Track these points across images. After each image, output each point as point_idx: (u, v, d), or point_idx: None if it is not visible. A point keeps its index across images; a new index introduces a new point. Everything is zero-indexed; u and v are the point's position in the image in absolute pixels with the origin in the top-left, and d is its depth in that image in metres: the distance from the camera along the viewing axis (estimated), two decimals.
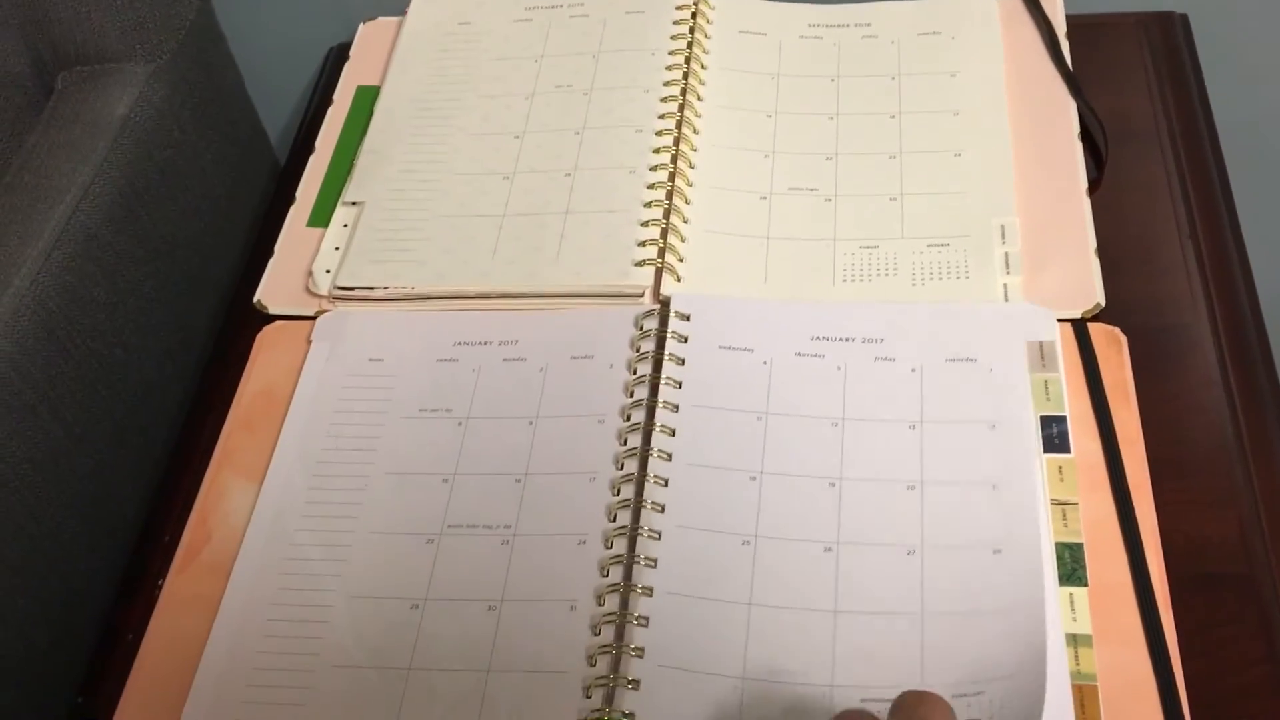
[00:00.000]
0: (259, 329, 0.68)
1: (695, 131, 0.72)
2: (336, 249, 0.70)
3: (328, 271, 0.69)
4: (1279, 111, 0.87)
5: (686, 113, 0.72)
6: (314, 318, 0.67)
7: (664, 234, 0.67)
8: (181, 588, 0.59)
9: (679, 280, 0.65)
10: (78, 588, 0.61)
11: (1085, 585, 0.53)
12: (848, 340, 0.61)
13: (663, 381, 0.60)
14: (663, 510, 0.56)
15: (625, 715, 0.50)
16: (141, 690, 0.56)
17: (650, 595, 0.53)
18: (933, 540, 0.54)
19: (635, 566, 0.54)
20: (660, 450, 0.58)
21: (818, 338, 0.62)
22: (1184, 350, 0.62)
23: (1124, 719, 0.49)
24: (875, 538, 0.54)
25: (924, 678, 0.50)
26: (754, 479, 0.57)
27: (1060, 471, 0.56)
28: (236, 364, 0.67)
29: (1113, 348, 0.60)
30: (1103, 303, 0.62)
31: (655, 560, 0.54)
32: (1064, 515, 0.55)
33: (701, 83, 0.75)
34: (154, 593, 0.59)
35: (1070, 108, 0.71)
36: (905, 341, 0.61)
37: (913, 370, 0.60)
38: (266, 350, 0.67)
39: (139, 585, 0.61)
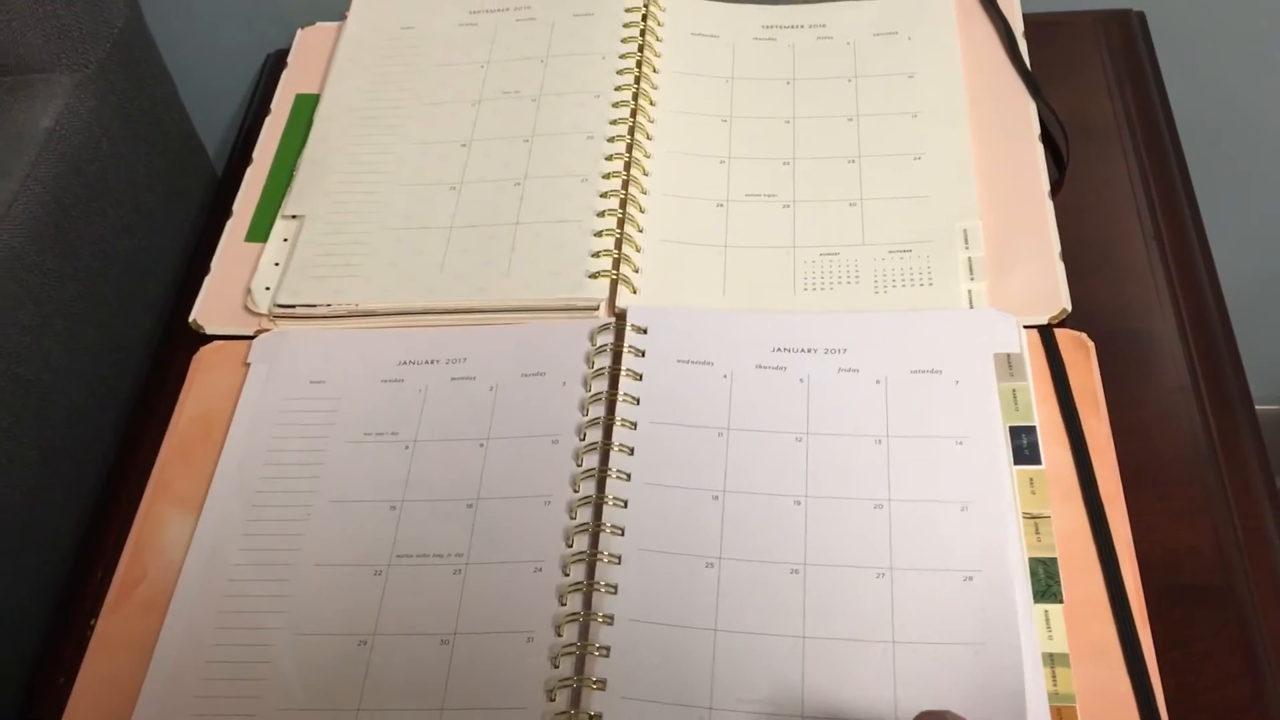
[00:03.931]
0: (195, 350, 0.65)
1: (649, 138, 0.70)
2: (276, 265, 0.67)
3: (267, 289, 0.66)
4: (1236, 109, 0.87)
5: (639, 118, 0.70)
6: (253, 337, 0.64)
7: (619, 244, 0.64)
8: (115, 628, 0.55)
9: (635, 292, 0.63)
10: (5, 627, 0.58)
11: (1060, 602, 0.51)
12: (810, 351, 0.59)
13: (619, 398, 0.58)
14: (622, 533, 0.54)
15: None
16: None
17: (611, 624, 0.51)
18: (902, 563, 0.52)
19: (595, 593, 0.52)
20: (618, 470, 0.55)
21: (779, 349, 0.59)
22: (1152, 355, 0.60)
23: None
24: (844, 559, 0.52)
25: (898, 709, 0.48)
26: (716, 498, 0.54)
27: (1031, 484, 0.54)
28: (172, 387, 0.64)
29: (1080, 354, 0.59)
30: (1069, 308, 0.60)
31: (615, 586, 0.52)
32: (1036, 529, 0.53)
33: (654, 87, 0.72)
34: (86, 633, 0.56)
35: (1030, 108, 0.70)
36: (869, 352, 0.59)
37: (877, 382, 0.58)
38: (203, 372, 0.64)
39: (71, 625, 0.57)
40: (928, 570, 0.51)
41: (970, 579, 0.51)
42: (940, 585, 0.51)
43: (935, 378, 0.57)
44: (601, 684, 0.50)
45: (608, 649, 0.50)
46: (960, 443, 0.55)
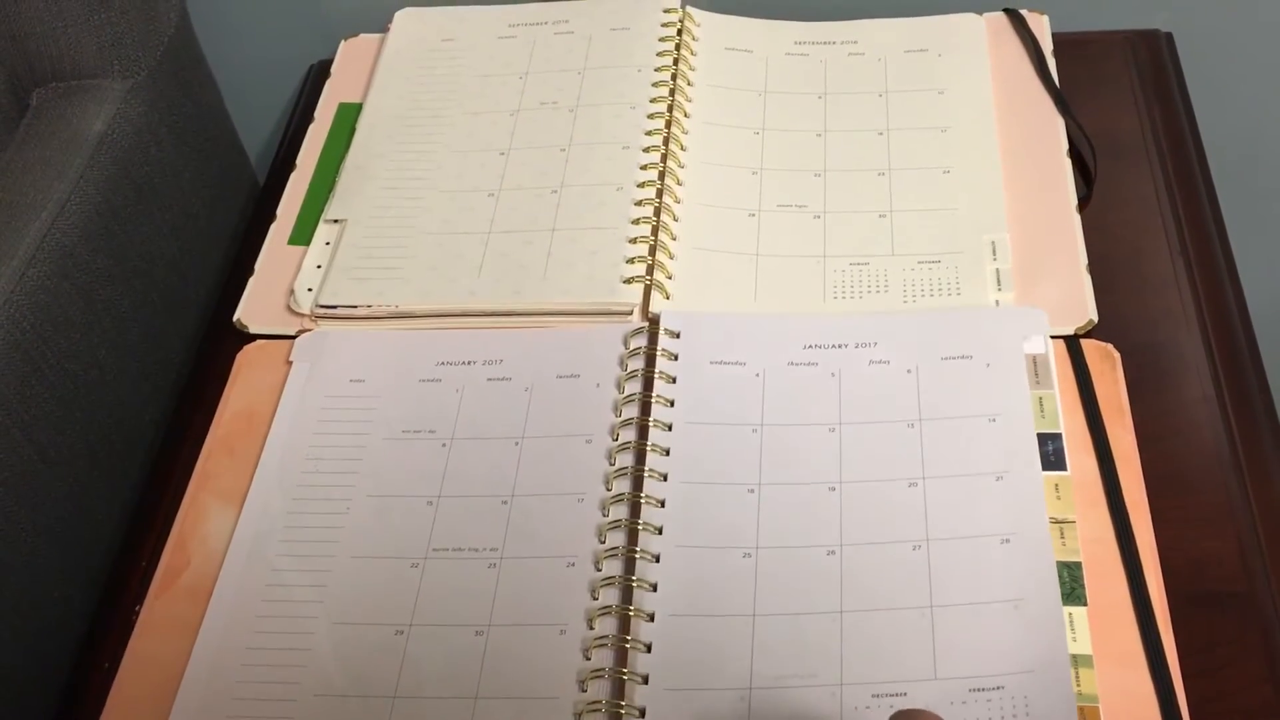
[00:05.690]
0: (238, 349, 0.66)
1: (683, 149, 0.71)
2: (318, 267, 0.69)
3: (310, 290, 0.68)
4: (1262, 127, 0.88)
5: (674, 130, 0.72)
6: (295, 337, 0.66)
7: (652, 251, 0.66)
8: (159, 613, 0.57)
9: (668, 297, 0.65)
10: (52, 614, 0.59)
11: (1085, 605, 0.52)
12: (841, 346, 0.60)
13: (654, 399, 0.59)
14: (659, 532, 0.55)
15: None
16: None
17: (650, 620, 0.52)
18: (938, 534, 0.53)
19: (634, 590, 0.53)
20: (654, 470, 0.57)
21: (810, 346, 0.61)
22: (1177, 365, 0.61)
23: None
24: (879, 536, 0.53)
25: (936, 670, 0.49)
26: (752, 491, 0.56)
27: (1057, 489, 0.55)
28: (215, 384, 0.65)
29: (1106, 364, 0.60)
30: (1095, 319, 0.61)
31: (655, 585, 0.53)
32: (1062, 534, 0.54)
33: (688, 100, 0.74)
34: (131, 619, 0.57)
35: (1058, 125, 0.71)
36: (900, 345, 0.60)
37: (908, 371, 0.59)
38: (246, 370, 0.65)
39: (116, 611, 0.59)
40: (964, 537, 0.53)
41: (1008, 541, 0.52)
42: (978, 549, 0.52)
43: (966, 363, 0.59)
44: (644, 679, 0.51)
45: (648, 645, 0.52)
46: (993, 419, 0.56)
